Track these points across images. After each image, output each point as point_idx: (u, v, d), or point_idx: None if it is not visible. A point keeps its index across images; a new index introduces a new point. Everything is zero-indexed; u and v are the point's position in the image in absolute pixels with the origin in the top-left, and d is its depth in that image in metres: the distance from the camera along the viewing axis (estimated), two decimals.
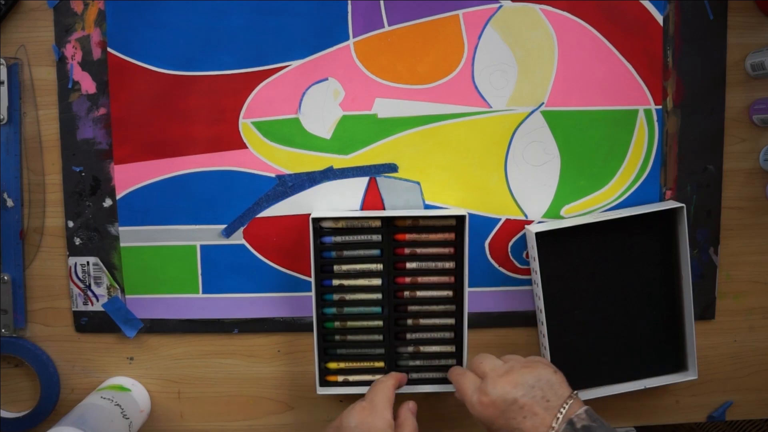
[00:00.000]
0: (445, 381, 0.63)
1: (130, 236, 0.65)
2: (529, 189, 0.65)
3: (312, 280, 0.62)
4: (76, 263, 0.65)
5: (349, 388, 0.64)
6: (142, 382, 0.67)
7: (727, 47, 0.65)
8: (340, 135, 0.64)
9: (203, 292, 0.65)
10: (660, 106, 0.65)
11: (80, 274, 0.65)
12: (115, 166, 0.64)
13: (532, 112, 0.64)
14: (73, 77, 0.63)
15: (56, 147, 0.64)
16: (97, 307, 0.66)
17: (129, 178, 0.64)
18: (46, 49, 0.63)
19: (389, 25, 0.63)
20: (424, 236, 0.63)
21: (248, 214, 0.65)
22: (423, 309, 0.64)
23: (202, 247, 0.65)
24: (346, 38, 0.63)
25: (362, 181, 0.65)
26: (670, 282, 0.65)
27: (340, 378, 0.64)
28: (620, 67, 0.64)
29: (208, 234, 0.65)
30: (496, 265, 0.66)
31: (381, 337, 0.64)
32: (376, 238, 0.62)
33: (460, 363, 0.64)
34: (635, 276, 0.65)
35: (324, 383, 0.64)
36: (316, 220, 0.62)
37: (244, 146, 0.64)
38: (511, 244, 0.65)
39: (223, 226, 0.65)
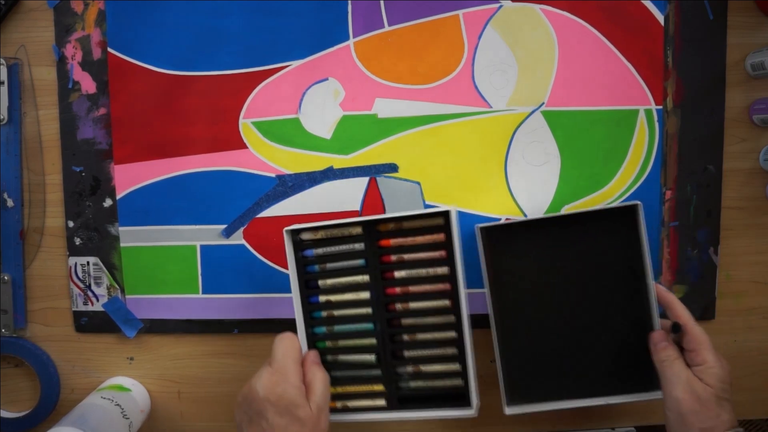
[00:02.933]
0: (453, 405, 0.56)
1: (130, 236, 0.65)
2: (529, 189, 0.65)
3: (296, 297, 0.58)
4: (76, 263, 0.65)
5: (350, 414, 0.58)
6: (142, 382, 0.67)
7: (727, 47, 0.65)
8: (340, 135, 0.64)
9: (203, 293, 0.65)
10: (660, 106, 0.65)
11: (80, 274, 0.65)
12: (115, 166, 0.64)
13: (533, 112, 0.64)
14: (73, 77, 0.63)
15: (56, 147, 0.64)
16: (97, 307, 0.66)
17: (129, 178, 0.64)
18: (46, 49, 0.63)
19: (389, 25, 0.63)
20: (410, 240, 0.57)
21: (248, 214, 0.65)
22: (419, 322, 0.57)
23: (202, 247, 0.65)
24: (346, 38, 0.63)
25: (362, 181, 0.65)
26: (636, 289, 0.59)
27: (339, 404, 0.59)
28: (621, 67, 0.64)
29: (208, 234, 0.65)
30: None
31: (375, 358, 0.58)
32: (359, 246, 0.57)
33: (465, 383, 0.57)
34: (599, 282, 0.60)
35: None
36: (294, 233, 0.57)
37: (244, 146, 0.64)
38: None
39: (223, 226, 0.65)
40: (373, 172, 0.65)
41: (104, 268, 0.65)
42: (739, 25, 0.65)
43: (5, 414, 0.67)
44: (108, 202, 0.65)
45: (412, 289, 0.57)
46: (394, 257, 0.57)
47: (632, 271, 0.58)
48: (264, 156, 0.64)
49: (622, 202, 0.59)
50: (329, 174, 0.65)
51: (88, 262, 0.65)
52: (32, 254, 0.66)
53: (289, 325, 0.66)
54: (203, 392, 0.68)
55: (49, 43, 0.63)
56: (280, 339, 0.54)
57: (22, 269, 0.65)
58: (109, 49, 0.63)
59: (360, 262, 0.57)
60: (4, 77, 0.63)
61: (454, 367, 0.57)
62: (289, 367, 0.52)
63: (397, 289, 0.57)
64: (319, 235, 0.57)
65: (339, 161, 0.64)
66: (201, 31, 0.63)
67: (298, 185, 0.65)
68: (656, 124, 0.65)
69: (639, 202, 0.56)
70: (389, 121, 0.64)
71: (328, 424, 0.52)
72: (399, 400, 0.58)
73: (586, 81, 0.64)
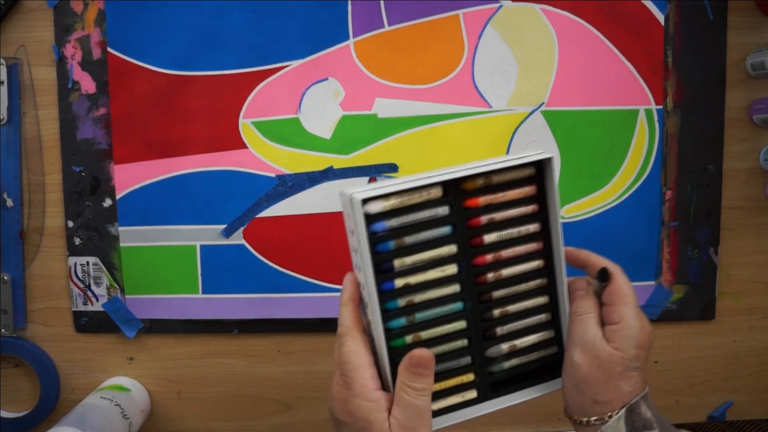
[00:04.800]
0: (548, 378, 0.48)
1: (130, 236, 0.65)
2: None
3: (371, 286, 0.43)
4: (76, 263, 0.65)
5: (437, 418, 0.46)
6: (142, 382, 0.67)
7: (727, 47, 0.65)
8: (340, 135, 0.64)
9: (203, 292, 0.65)
10: (660, 106, 0.65)
11: (80, 274, 0.65)
12: (115, 166, 0.64)
13: (533, 111, 0.64)
14: (73, 77, 0.63)
15: (56, 147, 0.64)
16: (97, 307, 0.66)
17: (129, 178, 0.64)
18: (46, 49, 0.63)
19: (389, 25, 0.63)
20: (501, 196, 0.46)
21: (248, 214, 0.65)
22: (512, 292, 0.47)
23: (202, 247, 0.65)
24: (346, 38, 0.63)
25: (362, 181, 0.65)
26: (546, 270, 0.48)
27: None
28: (621, 67, 0.64)
29: (208, 234, 0.65)
30: None
31: (467, 342, 0.47)
32: (443, 211, 0.45)
33: (560, 350, 0.48)
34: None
35: None
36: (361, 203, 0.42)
37: (244, 146, 0.64)
38: None
39: (223, 226, 0.65)
40: (373, 172, 0.65)
41: (104, 268, 0.65)
42: (739, 25, 0.65)
43: (5, 414, 0.67)
44: (108, 202, 0.65)
45: (505, 253, 0.46)
46: (484, 219, 0.46)
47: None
48: (264, 156, 0.64)
49: (529, 155, 0.46)
50: (329, 174, 0.64)
51: (87, 262, 0.65)
52: (32, 254, 0.66)
53: (288, 325, 0.66)
54: (203, 392, 0.68)
55: (48, 43, 0.63)
56: (342, 340, 0.43)
57: (22, 269, 0.65)
58: (109, 49, 0.63)
59: (446, 229, 0.45)
60: (4, 77, 0.63)
61: (548, 334, 0.48)
62: (357, 373, 0.41)
63: (488, 257, 0.46)
64: (391, 202, 0.43)
65: (339, 161, 0.64)
66: (201, 31, 0.63)
67: (298, 185, 0.65)
68: (656, 124, 0.65)
69: (551, 156, 0.46)
70: (389, 121, 0.64)
71: None
72: (492, 386, 0.48)
73: (586, 81, 0.64)
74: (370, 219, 0.43)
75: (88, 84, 0.63)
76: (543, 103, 0.64)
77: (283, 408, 0.68)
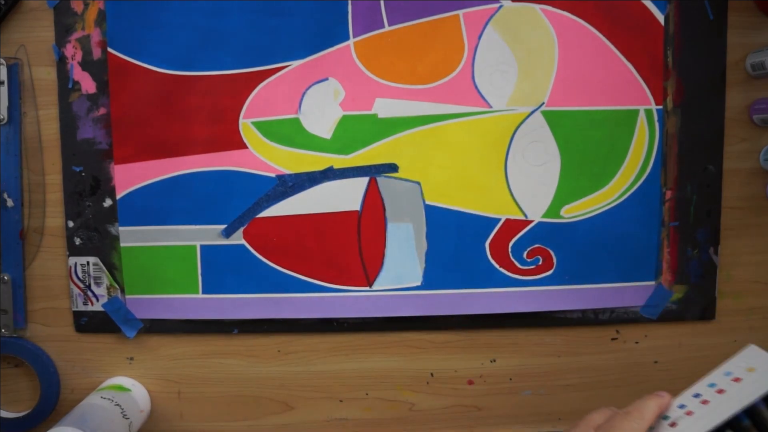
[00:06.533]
0: None
1: (130, 236, 0.65)
2: (529, 189, 0.65)
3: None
4: (76, 263, 0.65)
5: None
6: (142, 382, 0.67)
7: (727, 47, 0.65)
8: (340, 135, 0.64)
9: (203, 292, 0.65)
10: (660, 106, 0.65)
11: (80, 274, 0.65)
12: (115, 166, 0.64)
13: (533, 112, 0.64)
14: (73, 77, 0.63)
15: (56, 147, 0.64)
16: (97, 307, 0.66)
17: (129, 178, 0.64)
18: (46, 49, 0.63)
19: (389, 25, 0.63)
20: None
21: (248, 214, 0.65)
22: None
23: (202, 247, 0.65)
24: (346, 38, 0.63)
25: (362, 181, 0.65)
26: None
27: None
28: (621, 67, 0.64)
29: (208, 234, 0.65)
30: (496, 266, 0.66)
31: None
32: None
33: None
34: None
35: None
36: None
37: (244, 146, 0.64)
38: (511, 244, 0.65)
39: (223, 226, 0.65)
40: (373, 172, 0.65)
41: (104, 268, 0.65)
42: (739, 25, 0.65)
43: (5, 414, 0.67)
44: (108, 202, 0.65)
45: None
46: None
47: None
48: (264, 156, 0.64)
49: None
50: (329, 174, 0.65)
51: (88, 262, 0.65)
52: (32, 254, 0.66)
53: (288, 325, 0.66)
54: (203, 392, 0.68)
55: (49, 43, 0.63)
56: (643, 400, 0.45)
57: (22, 269, 0.65)
58: (109, 49, 0.63)
59: None
60: (4, 77, 0.63)
61: None
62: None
63: None
64: None
65: (339, 161, 0.64)
66: (201, 31, 0.63)
67: (298, 185, 0.65)
68: (656, 124, 0.65)
69: None
70: (389, 121, 0.64)
71: None
72: None
73: (586, 81, 0.64)
74: None
75: (88, 84, 0.63)
76: (543, 103, 0.64)
77: (283, 408, 0.68)
